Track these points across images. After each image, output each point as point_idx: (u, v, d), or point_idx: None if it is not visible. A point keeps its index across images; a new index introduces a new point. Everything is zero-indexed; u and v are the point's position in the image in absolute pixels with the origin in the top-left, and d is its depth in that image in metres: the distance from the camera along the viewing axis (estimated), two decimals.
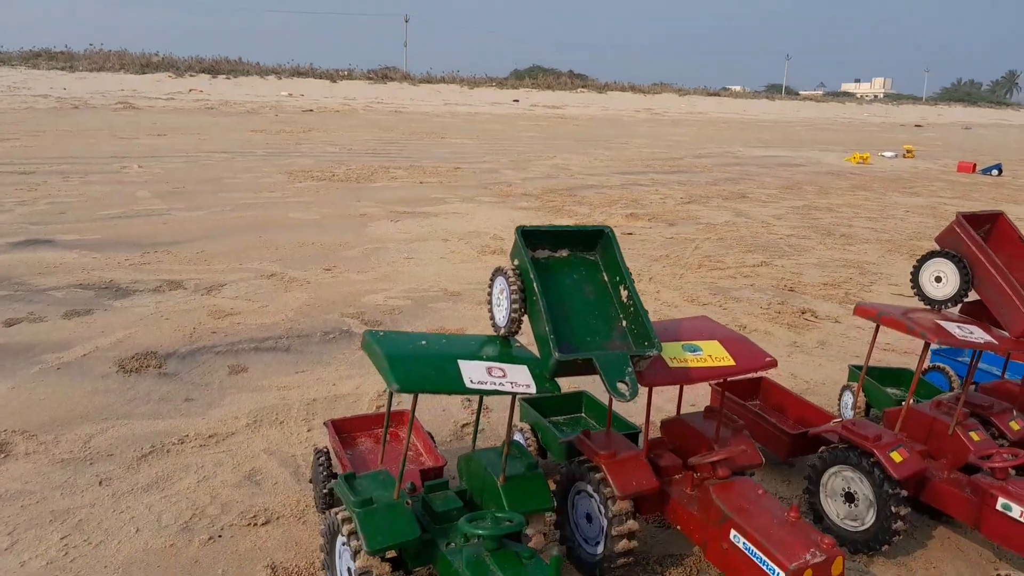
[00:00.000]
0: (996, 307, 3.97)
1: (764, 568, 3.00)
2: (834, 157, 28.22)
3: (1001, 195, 19.40)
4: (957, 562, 3.91)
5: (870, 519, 3.82)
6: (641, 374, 3.13)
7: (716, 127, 46.40)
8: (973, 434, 3.97)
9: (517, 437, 4.57)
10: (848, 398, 5.25)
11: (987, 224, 4.29)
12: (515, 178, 18.18)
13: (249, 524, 3.97)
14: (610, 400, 3.73)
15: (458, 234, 11.33)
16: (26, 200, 12.56)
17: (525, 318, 3.24)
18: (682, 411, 4.01)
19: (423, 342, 3.19)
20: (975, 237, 4.04)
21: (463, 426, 5.16)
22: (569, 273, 3.42)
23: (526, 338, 3.26)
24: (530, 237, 3.34)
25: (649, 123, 47.36)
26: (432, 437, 4.34)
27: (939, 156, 31.09)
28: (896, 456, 3.68)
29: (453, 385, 2.92)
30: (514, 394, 3.02)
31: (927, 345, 3.87)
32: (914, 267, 4.26)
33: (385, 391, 5.23)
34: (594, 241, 3.49)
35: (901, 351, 7.04)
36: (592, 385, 5.56)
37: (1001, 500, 3.54)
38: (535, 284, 3.14)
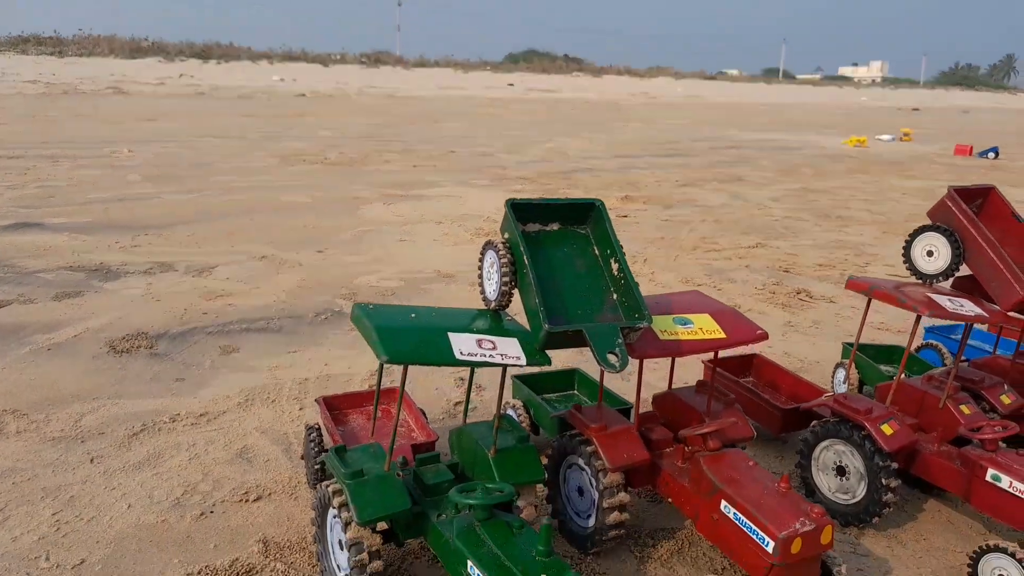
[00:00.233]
0: (987, 281, 3.96)
1: (754, 537, 3.00)
2: (831, 140, 28.17)
3: (998, 178, 19.39)
4: (947, 534, 3.93)
5: (861, 492, 3.83)
6: (631, 346, 3.12)
7: (713, 111, 46.25)
8: (964, 407, 3.98)
9: (510, 413, 4.56)
10: (841, 374, 5.25)
11: (979, 199, 4.28)
12: (509, 161, 18.10)
13: (241, 500, 3.97)
14: (601, 375, 3.72)
15: (452, 217, 11.28)
16: (15, 184, 12.46)
17: (516, 292, 3.22)
18: (675, 388, 4.00)
19: (412, 315, 3.17)
20: (967, 211, 4.03)
21: (456, 404, 5.15)
22: (560, 247, 3.40)
23: (520, 318, 3.24)
24: (520, 210, 3.31)
25: (645, 107, 47.17)
26: (424, 414, 4.33)
27: (936, 139, 31.06)
28: (887, 429, 3.68)
29: (443, 357, 2.90)
30: (504, 366, 3.01)
31: (918, 318, 3.87)
32: (906, 241, 4.25)
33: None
34: (585, 215, 3.46)
35: (895, 330, 7.05)
36: (585, 362, 5.56)
37: (991, 471, 3.55)
38: (525, 257, 3.11)
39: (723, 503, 3.16)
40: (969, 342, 5.65)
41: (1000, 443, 3.71)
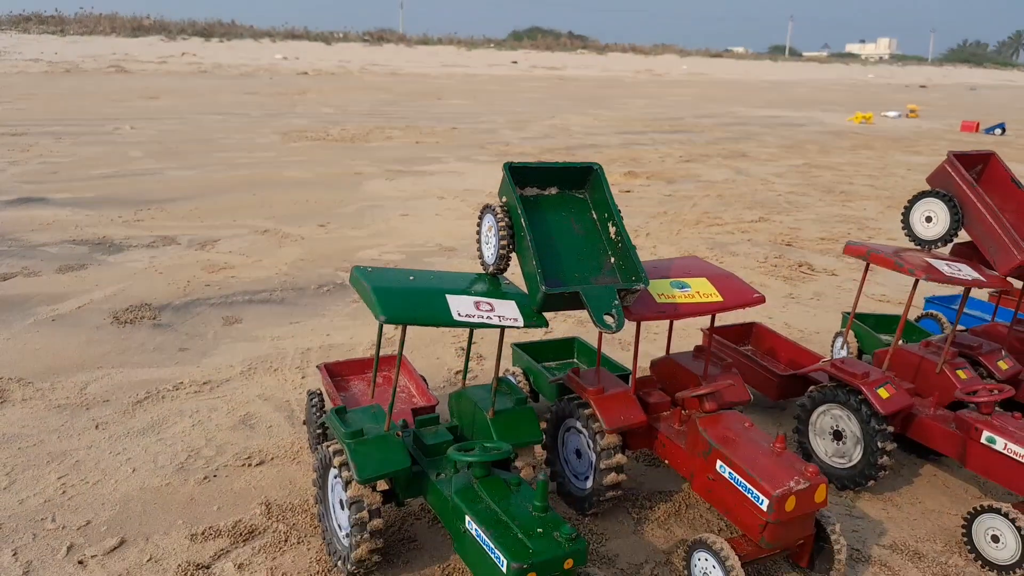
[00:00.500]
0: (985, 246, 3.96)
1: (749, 496, 3.04)
2: (837, 117, 27.93)
3: (1004, 154, 19.06)
4: (941, 497, 3.97)
5: (857, 455, 3.86)
6: (629, 309, 3.14)
7: (718, 88, 45.84)
8: (960, 372, 4.00)
9: (508, 378, 4.60)
10: (841, 343, 5.27)
11: (979, 164, 4.26)
12: (513, 138, 18.02)
13: (244, 464, 4.02)
14: (599, 339, 3.74)
15: (454, 192, 11.27)
16: (18, 160, 12.47)
17: (514, 257, 3.24)
18: (673, 353, 4.02)
19: (411, 277, 3.19)
20: (966, 176, 4.02)
21: (456, 372, 5.19)
22: (557, 211, 3.41)
23: (519, 284, 3.26)
24: (518, 174, 3.32)
25: (650, 84, 46.78)
26: (425, 380, 4.36)
27: (943, 116, 30.77)
28: (883, 392, 3.70)
29: (440, 317, 2.92)
30: (501, 327, 3.03)
31: (916, 282, 3.87)
32: (905, 207, 4.25)
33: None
34: (583, 179, 3.46)
35: (896, 302, 7.05)
36: (585, 333, 5.59)
37: (986, 434, 3.57)
38: (523, 220, 3.12)
39: (718, 463, 3.19)
40: (968, 312, 5.66)
41: (996, 406, 3.73)
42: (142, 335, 5.66)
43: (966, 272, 3.80)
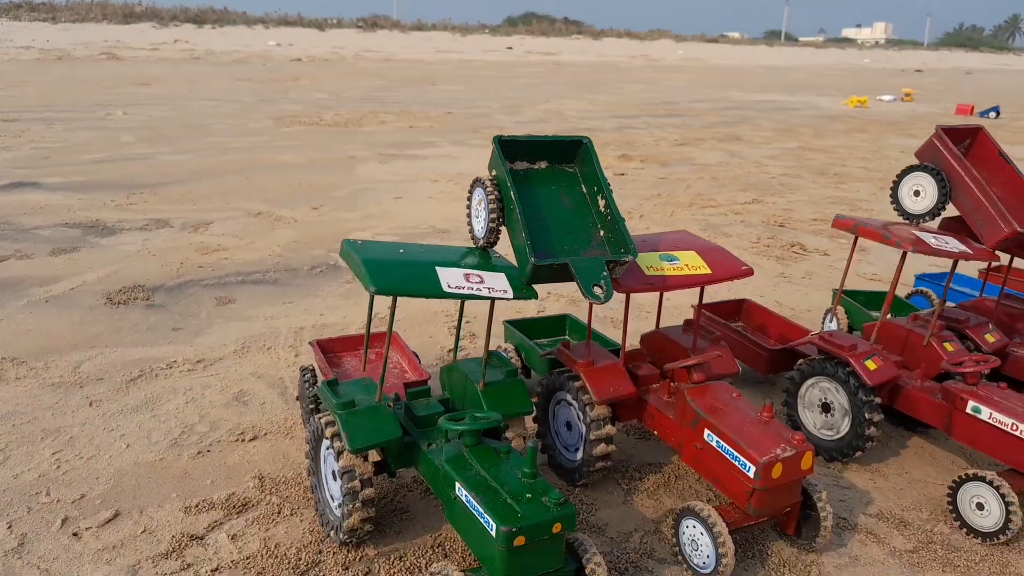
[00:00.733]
0: (972, 219, 3.99)
1: (736, 464, 3.08)
2: (832, 101, 27.91)
3: (998, 137, 19.08)
4: (928, 468, 4.02)
5: (845, 427, 3.90)
6: (618, 281, 3.16)
7: (714, 73, 45.71)
8: (947, 345, 4.04)
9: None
10: (831, 318, 5.31)
11: (967, 139, 4.28)
12: (507, 122, 17.98)
13: (237, 440, 4.05)
14: (589, 312, 3.76)
15: (448, 175, 11.26)
16: (10, 146, 12.41)
17: (504, 232, 3.25)
18: (662, 327, 4.05)
19: (401, 250, 3.21)
20: (954, 150, 4.04)
21: (449, 351, 5.22)
22: (547, 184, 3.42)
23: (510, 259, 3.27)
24: (508, 147, 3.33)
25: (645, 69, 46.62)
26: (417, 356, 4.39)
27: (938, 100, 30.75)
28: (871, 364, 3.74)
29: (430, 289, 2.94)
30: (491, 299, 3.05)
31: (904, 255, 3.90)
32: (894, 182, 4.27)
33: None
34: (573, 152, 3.47)
35: (887, 280, 7.09)
36: (578, 311, 5.62)
37: (971, 403, 3.61)
38: (512, 193, 3.14)
39: (706, 432, 3.23)
40: (958, 288, 5.70)
41: (982, 377, 3.77)
42: (135, 315, 5.67)
43: (953, 245, 3.83)
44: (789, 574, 3.16)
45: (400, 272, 2.99)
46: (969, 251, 3.81)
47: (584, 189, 3.43)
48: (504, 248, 3.27)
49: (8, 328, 5.36)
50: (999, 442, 3.53)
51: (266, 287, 6.37)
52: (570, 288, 6.40)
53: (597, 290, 2.97)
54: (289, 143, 13.73)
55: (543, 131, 16.51)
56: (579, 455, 3.61)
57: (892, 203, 4.28)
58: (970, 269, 6.48)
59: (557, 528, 2.58)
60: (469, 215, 3.44)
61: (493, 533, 2.55)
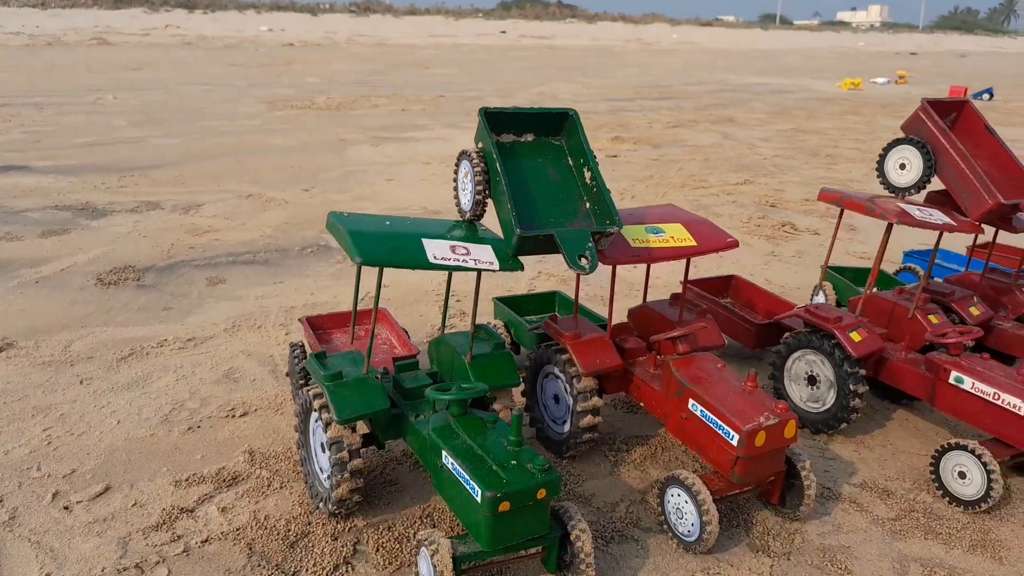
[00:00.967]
0: (957, 191, 4.01)
1: (720, 432, 3.11)
2: (826, 84, 27.85)
3: (990, 118, 19.12)
4: (912, 439, 4.07)
5: (831, 399, 3.94)
6: (603, 253, 3.17)
7: (708, 57, 45.53)
8: (932, 317, 4.07)
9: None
10: (820, 295, 5.34)
11: (953, 112, 4.29)
12: (500, 105, 17.89)
13: (227, 416, 4.07)
14: (576, 285, 3.78)
15: (439, 158, 11.23)
16: (0, 130, 12.32)
17: (491, 205, 3.26)
18: (649, 301, 4.07)
19: (387, 223, 3.21)
20: (939, 123, 4.05)
21: (439, 329, 5.23)
22: (534, 157, 3.42)
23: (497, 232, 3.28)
24: (494, 120, 3.33)
25: (640, 53, 46.40)
26: (407, 332, 4.41)
27: (932, 82, 30.71)
28: (855, 336, 3.77)
29: (416, 260, 2.95)
30: (477, 270, 3.06)
31: (889, 227, 3.92)
32: (880, 155, 4.28)
33: (362, 296, 5.28)
34: (559, 125, 3.48)
35: None
36: (567, 287, 5.63)
37: (954, 374, 3.65)
38: (498, 165, 3.14)
39: (691, 402, 3.26)
40: (944, 264, 5.74)
41: (965, 348, 3.81)
42: (126, 295, 5.67)
43: (938, 217, 3.85)
44: (773, 542, 3.21)
45: (386, 243, 3.00)
46: (953, 223, 3.83)
47: (570, 161, 3.44)
48: (491, 222, 3.28)
49: None
50: (981, 412, 3.57)
51: (257, 267, 6.37)
52: (560, 267, 6.42)
53: (583, 261, 2.99)
54: (281, 126, 13.67)
55: None
56: (567, 427, 3.64)
57: (878, 176, 4.30)
58: (957, 245, 6.51)
59: (542, 494, 2.61)
60: (455, 188, 3.44)
61: (478, 499, 2.58)
